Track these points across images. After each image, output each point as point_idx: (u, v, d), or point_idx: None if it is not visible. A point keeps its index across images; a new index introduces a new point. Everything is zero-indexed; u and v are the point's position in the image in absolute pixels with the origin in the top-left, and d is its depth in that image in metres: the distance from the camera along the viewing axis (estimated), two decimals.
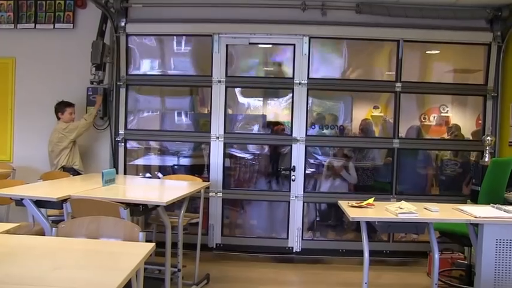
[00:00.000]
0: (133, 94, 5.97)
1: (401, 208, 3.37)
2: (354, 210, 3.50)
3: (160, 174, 5.16)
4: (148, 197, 3.84)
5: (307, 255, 5.63)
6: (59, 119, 5.36)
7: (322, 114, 6.26)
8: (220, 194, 5.69)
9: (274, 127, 6.15)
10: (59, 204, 3.53)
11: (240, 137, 6.04)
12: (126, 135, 5.80)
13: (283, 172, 5.80)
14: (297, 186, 5.65)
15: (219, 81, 5.63)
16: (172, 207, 4.23)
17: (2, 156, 5.97)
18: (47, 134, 5.40)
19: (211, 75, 5.64)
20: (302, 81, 5.58)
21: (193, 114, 6.45)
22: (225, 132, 5.67)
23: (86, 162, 5.66)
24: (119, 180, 4.40)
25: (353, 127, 6.35)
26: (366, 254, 3.37)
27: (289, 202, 5.68)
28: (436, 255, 3.45)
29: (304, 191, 5.66)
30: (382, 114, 10.53)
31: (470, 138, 6.12)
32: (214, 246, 5.70)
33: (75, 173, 5.26)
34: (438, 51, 6.02)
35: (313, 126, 5.80)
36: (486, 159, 5.03)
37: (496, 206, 3.69)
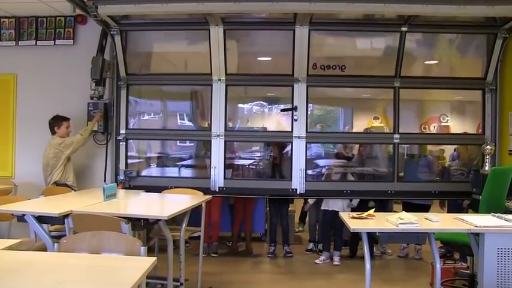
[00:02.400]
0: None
1: (401, 219, 3.37)
2: (355, 222, 3.50)
3: None
4: (149, 211, 3.85)
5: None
6: (54, 133, 5.36)
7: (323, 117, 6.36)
8: (222, 137, 5.69)
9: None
10: (60, 219, 3.54)
11: (241, 79, 5.94)
12: (127, 134, 5.83)
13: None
14: (300, 127, 5.62)
15: (217, 25, 5.45)
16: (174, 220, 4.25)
17: (3, 172, 6.00)
18: None
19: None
20: (303, 25, 5.38)
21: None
22: (226, 74, 5.63)
23: (86, 177, 5.69)
24: (120, 195, 4.41)
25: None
26: (368, 266, 3.35)
27: (291, 143, 5.67)
28: (438, 266, 3.43)
29: (306, 131, 5.64)
30: (382, 124, 10.60)
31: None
32: (217, 190, 5.71)
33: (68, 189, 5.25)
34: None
35: (314, 66, 5.65)
36: (486, 168, 5.05)
37: (496, 215, 3.68)
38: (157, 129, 6.41)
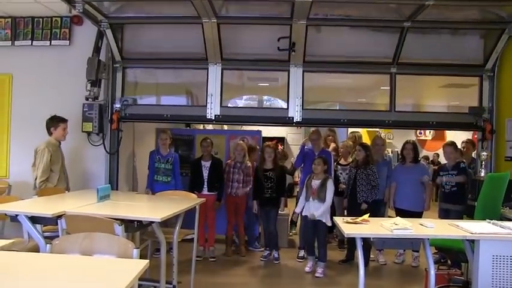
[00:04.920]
0: None
1: (396, 224, 3.36)
2: (349, 227, 3.48)
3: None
4: (143, 213, 3.83)
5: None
6: (50, 134, 5.20)
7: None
8: (220, 64, 5.66)
9: None
10: (53, 220, 3.52)
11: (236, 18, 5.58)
12: (124, 62, 5.82)
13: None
14: (297, 55, 5.52)
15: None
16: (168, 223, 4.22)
17: None
18: None
19: None
20: None
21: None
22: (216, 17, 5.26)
23: (81, 178, 5.65)
24: (114, 196, 4.38)
25: None
26: (361, 272, 3.34)
27: (288, 71, 5.62)
28: (432, 272, 3.42)
29: (304, 61, 5.57)
30: (377, 129, 10.53)
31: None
32: (213, 118, 5.75)
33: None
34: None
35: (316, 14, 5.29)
36: (482, 174, 5.05)
37: (492, 221, 3.67)
38: (154, 58, 6.06)
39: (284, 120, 5.75)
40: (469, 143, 6.57)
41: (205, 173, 6.19)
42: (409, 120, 5.87)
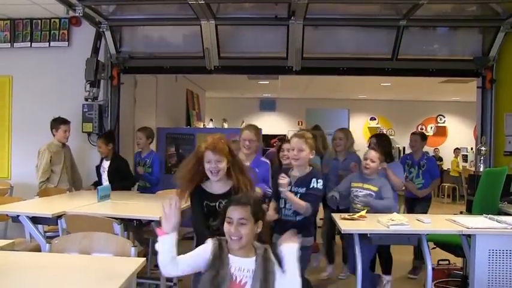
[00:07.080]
0: None
1: (392, 220, 3.39)
2: (346, 223, 3.51)
3: None
4: (142, 212, 3.85)
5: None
6: (54, 135, 5.26)
7: None
8: (213, 21, 5.43)
9: None
10: (54, 220, 3.57)
11: None
12: (109, 21, 5.58)
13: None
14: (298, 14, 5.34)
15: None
16: None
17: None
18: None
19: None
20: None
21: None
22: None
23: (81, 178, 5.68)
24: (114, 196, 4.41)
25: None
26: (359, 267, 3.36)
27: (288, 26, 5.47)
28: (429, 267, 3.44)
29: (304, 18, 5.35)
30: (378, 125, 10.54)
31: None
32: (212, 69, 5.73)
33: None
34: None
35: None
36: (480, 169, 5.07)
37: (488, 216, 3.70)
38: (142, 18, 5.79)
39: (283, 70, 5.77)
40: (417, 134, 5.75)
41: (104, 175, 5.32)
42: (410, 68, 5.81)
